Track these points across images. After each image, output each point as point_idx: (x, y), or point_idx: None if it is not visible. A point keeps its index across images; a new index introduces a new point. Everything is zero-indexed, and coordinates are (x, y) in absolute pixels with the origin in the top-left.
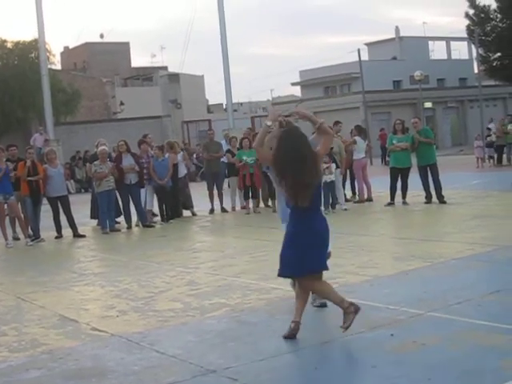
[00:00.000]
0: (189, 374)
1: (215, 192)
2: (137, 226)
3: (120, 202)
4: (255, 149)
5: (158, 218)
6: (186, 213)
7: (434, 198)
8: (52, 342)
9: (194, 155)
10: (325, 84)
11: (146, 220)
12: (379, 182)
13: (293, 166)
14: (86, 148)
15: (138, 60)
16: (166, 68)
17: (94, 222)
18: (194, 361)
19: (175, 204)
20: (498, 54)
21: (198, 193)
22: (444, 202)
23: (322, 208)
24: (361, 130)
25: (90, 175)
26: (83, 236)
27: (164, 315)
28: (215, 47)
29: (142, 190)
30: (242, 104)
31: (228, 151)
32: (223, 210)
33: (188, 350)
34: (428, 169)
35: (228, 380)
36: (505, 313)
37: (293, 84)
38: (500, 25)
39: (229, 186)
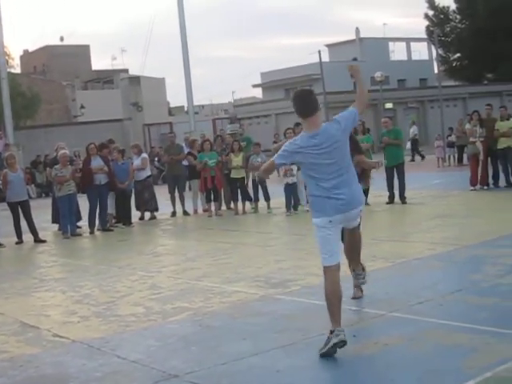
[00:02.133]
0: (151, 379)
1: (177, 195)
2: (98, 230)
3: (86, 206)
4: None
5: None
6: (148, 216)
7: (396, 199)
8: (12, 349)
9: (156, 158)
10: (286, 86)
11: (106, 224)
12: None
13: None
14: (47, 152)
15: (99, 63)
16: (126, 71)
17: (55, 226)
18: (155, 366)
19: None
20: (458, 54)
21: (160, 196)
22: (405, 203)
23: (284, 209)
24: None
25: (50, 179)
26: (44, 241)
27: (126, 320)
28: (176, 50)
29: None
30: (203, 106)
31: (189, 154)
32: (185, 212)
33: (150, 355)
34: (394, 169)
35: None
36: (466, 312)
37: (254, 86)
38: (459, 26)
39: (190, 188)
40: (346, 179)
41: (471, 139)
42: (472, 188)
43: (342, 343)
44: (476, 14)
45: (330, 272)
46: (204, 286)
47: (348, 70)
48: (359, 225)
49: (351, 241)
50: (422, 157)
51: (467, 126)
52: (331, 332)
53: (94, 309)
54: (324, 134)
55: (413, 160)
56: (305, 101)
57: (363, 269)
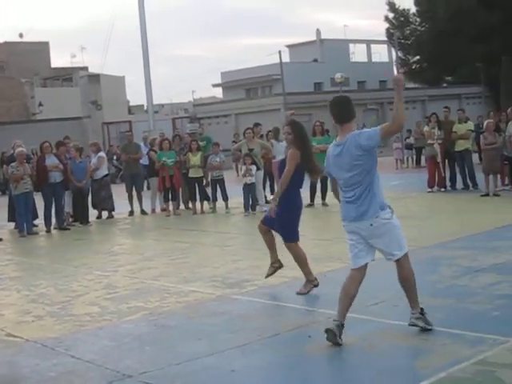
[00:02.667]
0: (105, 379)
1: (134, 194)
2: (55, 228)
3: (42, 205)
4: None
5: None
6: (106, 215)
7: None
8: None
9: (114, 157)
10: (246, 86)
11: (62, 223)
12: None
13: None
14: (4, 149)
15: (58, 60)
16: (86, 68)
17: (12, 224)
18: (110, 366)
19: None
20: (417, 57)
21: (118, 195)
22: None
23: (243, 209)
24: (276, 133)
25: (7, 177)
26: (0, 239)
27: (80, 319)
28: (137, 48)
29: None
30: (163, 105)
31: (151, 150)
32: (143, 212)
33: (104, 355)
34: None
35: None
36: None
37: (214, 85)
38: (419, 28)
39: (148, 187)
40: (360, 192)
41: (429, 141)
42: (429, 190)
43: (329, 331)
44: (436, 17)
45: (351, 271)
46: (160, 285)
47: (392, 79)
48: (406, 259)
49: (399, 275)
50: None
51: (425, 128)
52: None
53: (49, 308)
54: (345, 146)
55: None
56: (342, 108)
57: (420, 312)
